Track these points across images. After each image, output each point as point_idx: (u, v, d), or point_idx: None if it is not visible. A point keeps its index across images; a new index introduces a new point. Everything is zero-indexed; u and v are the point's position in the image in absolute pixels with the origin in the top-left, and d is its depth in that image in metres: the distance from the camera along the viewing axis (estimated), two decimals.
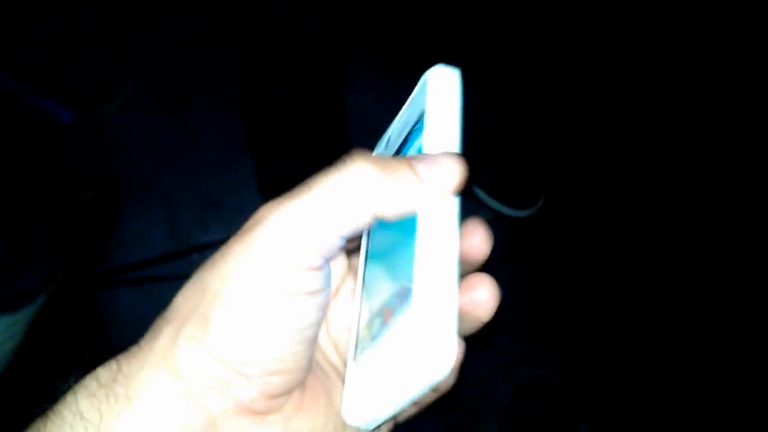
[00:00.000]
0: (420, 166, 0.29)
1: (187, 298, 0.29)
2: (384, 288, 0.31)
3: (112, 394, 0.28)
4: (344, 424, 0.31)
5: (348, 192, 0.28)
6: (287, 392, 0.30)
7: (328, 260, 0.30)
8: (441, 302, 0.27)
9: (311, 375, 0.32)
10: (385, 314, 0.30)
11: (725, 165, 1.17)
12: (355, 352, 0.32)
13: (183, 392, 0.28)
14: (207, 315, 0.28)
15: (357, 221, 0.29)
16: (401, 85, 0.40)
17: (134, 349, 0.30)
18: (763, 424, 0.96)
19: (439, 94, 0.32)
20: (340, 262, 0.36)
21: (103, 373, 0.29)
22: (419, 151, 0.31)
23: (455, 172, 0.30)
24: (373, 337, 0.30)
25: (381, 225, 0.31)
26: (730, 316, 1.05)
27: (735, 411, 0.98)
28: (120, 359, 0.29)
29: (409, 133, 0.34)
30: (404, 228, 0.30)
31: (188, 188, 1.27)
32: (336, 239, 0.29)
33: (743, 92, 1.18)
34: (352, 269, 0.37)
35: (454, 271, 0.28)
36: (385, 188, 0.29)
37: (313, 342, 0.30)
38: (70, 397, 0.28)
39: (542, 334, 1.09)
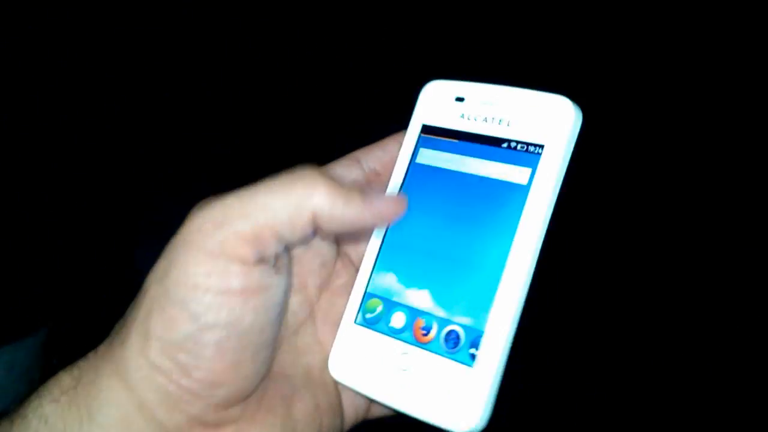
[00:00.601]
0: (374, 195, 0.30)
1: (136, 304, 0.29)
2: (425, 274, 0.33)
3: (74, 404, 0.28)
4: None
5: (289, 189, 0.28)
6: (238, 403, 0.29)
7: (267, 258, 0.28)
8: (495, 371, 0.30)
9: (271, 382, 0.31)
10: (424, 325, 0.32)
11: (725, 165, 1.16)
12: (358, 314, 0.34)
13: (138, 406, 0.28)
14: (147, 324, 0.28)
15: (294, 221, 0.28)
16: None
17: (92, 355, 0.30)
18: (763, 424, 0.96)
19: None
20: (326, 254, 0.34)
21: (65, 378, 0.29)
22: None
23: (396, 213, 0.31)
24: (396, 334, 0.33)
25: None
26: (730, 317, 1.05)
27: (735, 411, 0.97)
28: (81, 365, 0.29)
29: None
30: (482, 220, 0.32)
31: None
32: (268, 233, 0.28)
33: (742, 92, 1.17)
34: (343, 259, 0.36)
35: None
36: (330, 197, 0.28)
37: (263, 348, 0.29)
38: (34, 401, 0.29)
39: (542, 333, 1.09)
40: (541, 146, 0.32)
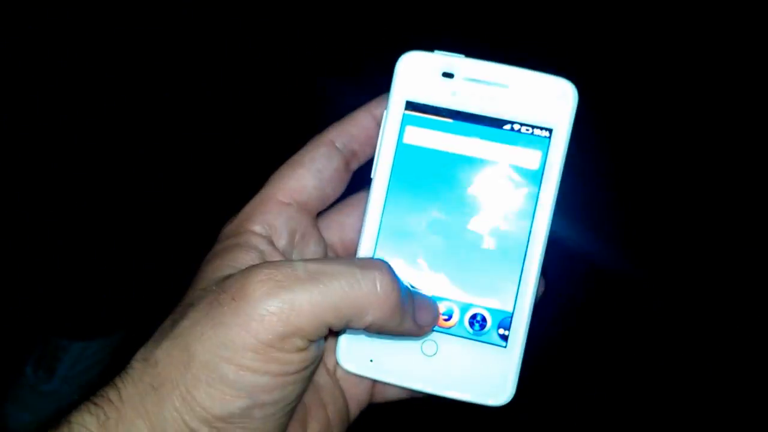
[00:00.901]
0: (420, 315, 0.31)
1: (172, 359, 0.28)
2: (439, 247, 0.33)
3: None
4: None
5: (352, 301, 0.28)
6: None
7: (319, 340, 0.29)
8: (522, 347, 0.33)
9: None
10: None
11: (724, 165, 1.14)
12: None
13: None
14: (193, 393, 0.27)
15: (348, 324, 0.29)
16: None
17: (116, 398, 0.28)
18: (763, 424, 0.99)
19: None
20: (317, 254, 0.35)
21: (91, 421, 0.28)
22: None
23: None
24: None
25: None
26: (730, 317, 1.07)
27: (735, 411, 1.00)
28: (106, 409, 0.28)
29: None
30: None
31: None
32: (324, 329, 0.28)
33: (741, 92, 1.14)
34: (329, 253, 0.36)
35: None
36: (389, 316, 0.29)
37: (292, 412, 0.30)
38: None
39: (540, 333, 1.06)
40: (550, 130, 0.33)
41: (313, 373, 0.30)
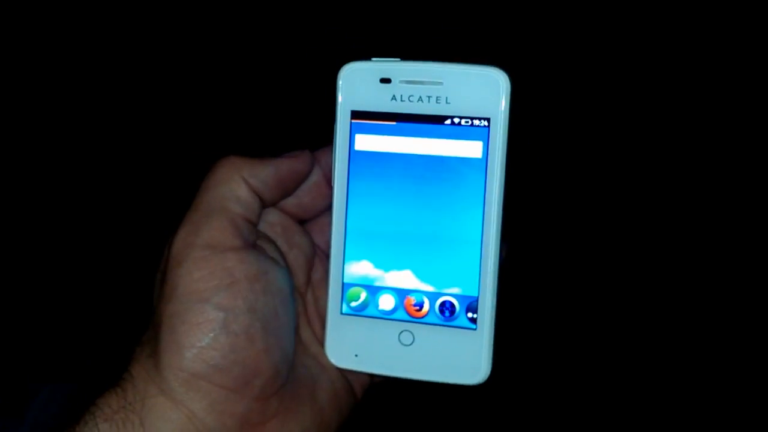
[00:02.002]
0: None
1: (155, 329, 0.31)
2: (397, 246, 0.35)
3: (129, 421, 0.30)
4: (328, 419, 0.35)
5: (223, 164, 0.33)
6: (275, 393, 0.32)
7: (249, 239, 0.33)
8: (492, 327, 0.35)
9: (294, 374, 0.34)
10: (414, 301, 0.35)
11: (724, 166, 1.12)
12: (342, 305, 0.36)
13: (188, 418, 0.30)
14: (175, 338, 0.30)
15: (243, 199, 0.33)
16: None
17: (128, 377, 0.31)
18: (763, 424, 0.98)
19: None
20: (306, 250, 0.37)
21: (113, 398, 0.30)
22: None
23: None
24: (389, 315, 0.36)
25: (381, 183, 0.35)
26: (730, 317, 1.05)
27: (735, 411, 0.99)
28: (124, 385, 0.31)
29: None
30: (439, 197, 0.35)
31: None
32: (237, 218, 0.32)
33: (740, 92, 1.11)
34: (318, 253, 0.38)
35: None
36: (250, 166, 0.33)
37: (285, 333, 0.33)
38: (89, 420, 0.30)
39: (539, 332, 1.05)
40: (487, 119, 0.34)
41: (280, 296, 0.33)
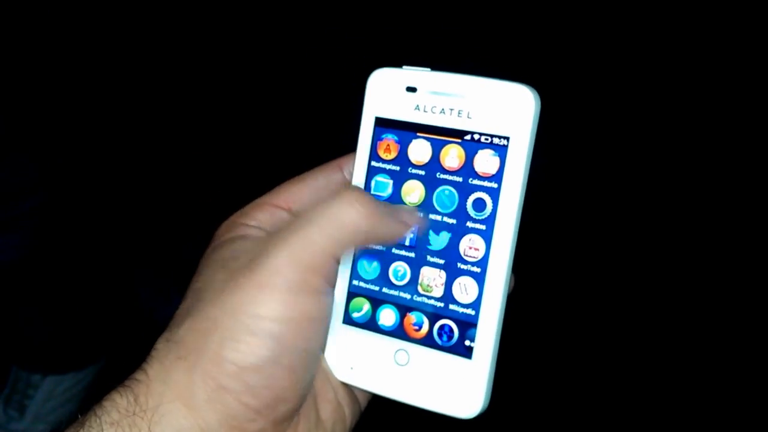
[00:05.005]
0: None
1: (195, 332, 0.30)
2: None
3: (136, 427, 0.29)
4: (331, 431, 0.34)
5: (343, 223, 0.31)
6: (294, 416, 0.31)
7: (332, 282, 0.32)
8: (491, 359, 0.32)
9: None
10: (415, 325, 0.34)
11: (723, 166, 1.12)
12: (345, 314, 0.35)
13: (200, 428, 0.29)
14: (221, 353, 0.29)
15: (350, 246, 0.33)
16: None
17: (144, 377, 0.30)
18: (763, 424, 0.97)
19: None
20: None
21: (121, 401, 0.29)
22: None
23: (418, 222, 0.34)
24: (388, 331, 0.34)
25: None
26: (730, 318, 1.04)
27: (735, 411, 0.98)
28: (135, 388, 0.30)
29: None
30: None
31: None
32: (333, 262, 0.31)
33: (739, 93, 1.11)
34: None
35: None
36: (372, 225, 0.32)
37: (315, 365, 0.32)
38: (94, 423, 0.29)
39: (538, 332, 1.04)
40: (507, 138, 0.32)
41: (326, 330, 0.33)
